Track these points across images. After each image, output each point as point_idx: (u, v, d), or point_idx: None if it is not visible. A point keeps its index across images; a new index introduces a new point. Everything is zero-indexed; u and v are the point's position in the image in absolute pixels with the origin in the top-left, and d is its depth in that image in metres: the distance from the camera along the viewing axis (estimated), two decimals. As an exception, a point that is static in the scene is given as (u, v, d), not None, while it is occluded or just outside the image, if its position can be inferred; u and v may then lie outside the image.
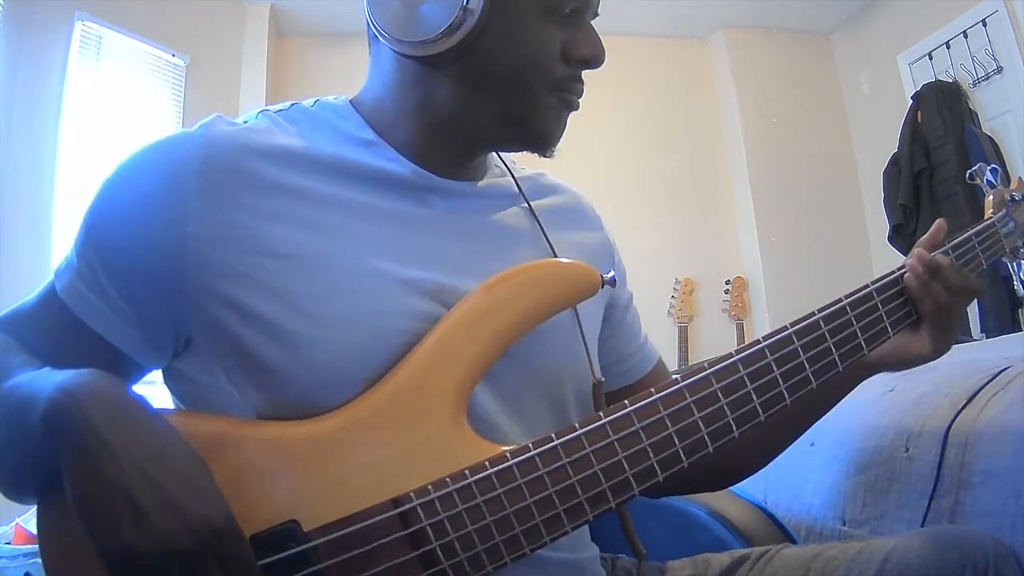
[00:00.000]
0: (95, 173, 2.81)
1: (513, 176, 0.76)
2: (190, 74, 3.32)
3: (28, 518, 1.92)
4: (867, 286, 0.71)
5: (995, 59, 3.16)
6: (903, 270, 0.74)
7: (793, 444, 0.82)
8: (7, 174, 2.57)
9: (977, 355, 1.11)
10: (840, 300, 0.68)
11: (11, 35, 2.65)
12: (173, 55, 3.27)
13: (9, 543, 1.84)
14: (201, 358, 0.60)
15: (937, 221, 0.79)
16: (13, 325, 0.64)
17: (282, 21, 3.77)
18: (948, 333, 0.75)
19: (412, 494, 0.55)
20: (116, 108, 3.05)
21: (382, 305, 0.60)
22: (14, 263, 2.49)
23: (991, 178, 0.84)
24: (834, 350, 0.66)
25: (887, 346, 0.73)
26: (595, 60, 0.66)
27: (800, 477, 1.07)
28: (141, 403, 0.52)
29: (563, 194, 0.80)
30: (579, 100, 0.68)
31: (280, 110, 0.67)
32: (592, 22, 0.68)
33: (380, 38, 0.64)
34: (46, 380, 0.51)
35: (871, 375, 0.80)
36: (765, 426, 0.63)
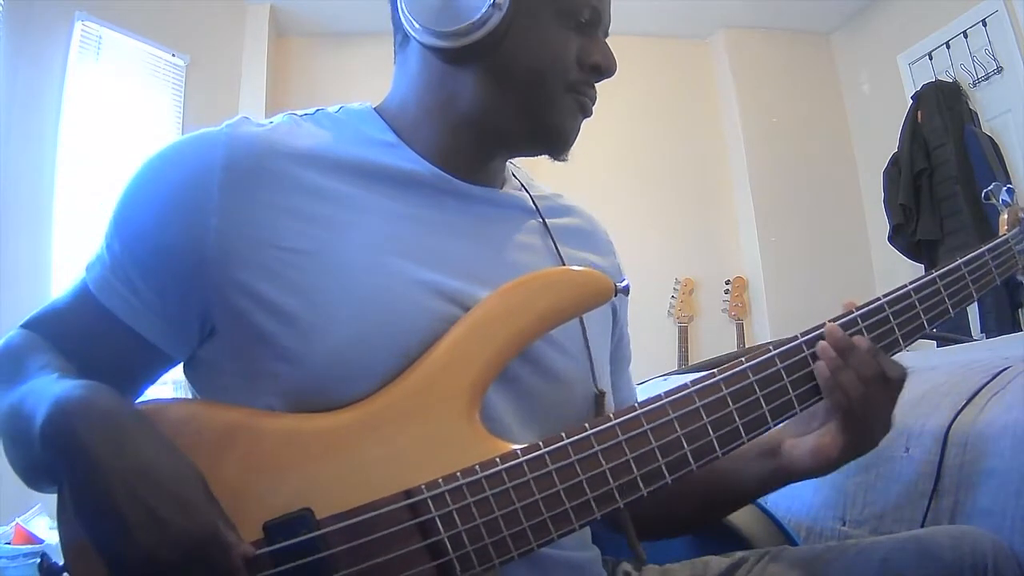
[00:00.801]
0: (95, 173, 2.82)
1: (529, 193, 0.77)
2: (190, 74, 3.32)
3: (28, 518, 1.92)
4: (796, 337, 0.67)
5: (995, 59, 3.16)
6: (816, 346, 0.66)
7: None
8: (7, 174, 2.56)
9: (977, 355, 1.11)
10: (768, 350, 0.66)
11: (11, 35, 2.64)
12: (173, 55, 3.27)
13: (9, 543, 1.84)
14: (223, 347, 0.62)
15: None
16: (45, 324, 0.66)
17: (282, 21, 3.77)
18: (869, 432, 0.67)
19: (423, 486, 0.56)
20: (116, 108, 3.04)
21: (393, 302, 0.62)
22: (14, 263, 2.48)
23: (1007, 197, 0.88)
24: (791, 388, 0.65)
25: (795, 455, 0.69)
26: (607, 69, 0.70)
27: (800, 477, 1.07)
28: (135, 417, 0.53)
29: (578, 217, 0.82)
30: (592, 107, 0.71)
31: (305, 114, 0.70)
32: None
33: (410, 30, 0.66)
34: (48, 392, 0.52)
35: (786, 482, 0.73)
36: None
